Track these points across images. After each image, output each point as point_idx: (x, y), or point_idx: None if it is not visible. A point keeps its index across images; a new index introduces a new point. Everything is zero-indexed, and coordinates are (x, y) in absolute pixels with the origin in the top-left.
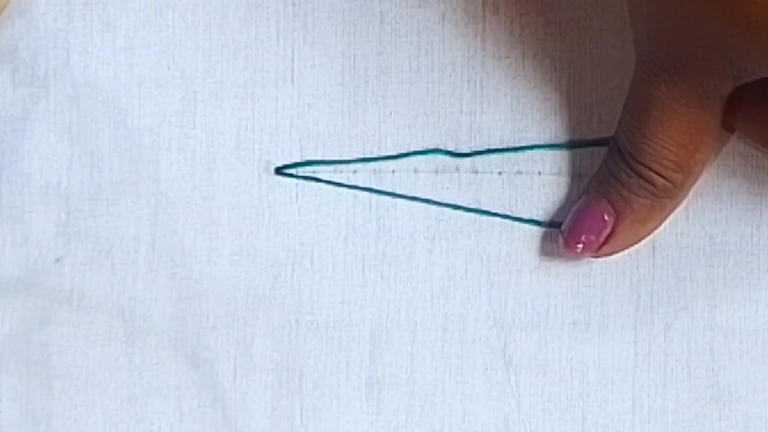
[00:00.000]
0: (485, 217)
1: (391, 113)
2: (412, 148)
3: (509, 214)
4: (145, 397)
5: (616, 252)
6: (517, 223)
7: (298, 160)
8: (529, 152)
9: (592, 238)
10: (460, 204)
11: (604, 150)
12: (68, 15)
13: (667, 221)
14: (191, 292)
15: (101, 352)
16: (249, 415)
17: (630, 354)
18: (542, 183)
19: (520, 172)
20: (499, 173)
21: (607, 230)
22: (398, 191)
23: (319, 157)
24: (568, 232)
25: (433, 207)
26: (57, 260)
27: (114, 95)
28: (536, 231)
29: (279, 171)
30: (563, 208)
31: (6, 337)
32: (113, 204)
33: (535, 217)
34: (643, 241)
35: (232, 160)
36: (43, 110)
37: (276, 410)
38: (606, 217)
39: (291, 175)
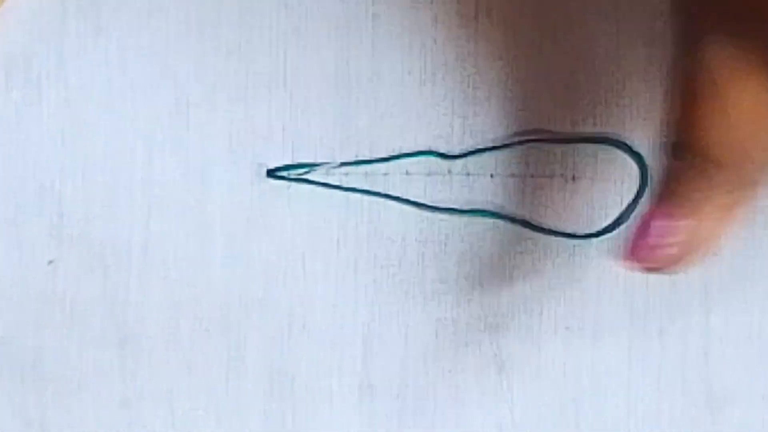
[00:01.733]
0: (478, 221)
1: (383, 116)
2: (405, 151)
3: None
4: (137, 401)
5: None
6: (510, 226)
7: (290, 162)
8: (522, 155)
9: (669, 250)
10: (452, 206)
11: (597, 150)
12: (62, 19)
13: None
14: (184, 296)
15: (94, 355)
16: (242, 419)
17: (624, 359)
18: (535, 185)
19: (513, 175)
20: (491, 176)
21: (682, 237)
22: (390, 194)
23: (311, 160)
24: (635, 247)
25: (425, 209)
26: (50, 263)
27: (107, 99)
28: (530, 234)
29: (271, 174)
30: (556, 211)
31: None
32: (106, 207)
33: (528, 221)
34: None
35: (224, 163)
36: (36, 113)
37: (268, 414)
38: (678, 224)
39: (283, 178)
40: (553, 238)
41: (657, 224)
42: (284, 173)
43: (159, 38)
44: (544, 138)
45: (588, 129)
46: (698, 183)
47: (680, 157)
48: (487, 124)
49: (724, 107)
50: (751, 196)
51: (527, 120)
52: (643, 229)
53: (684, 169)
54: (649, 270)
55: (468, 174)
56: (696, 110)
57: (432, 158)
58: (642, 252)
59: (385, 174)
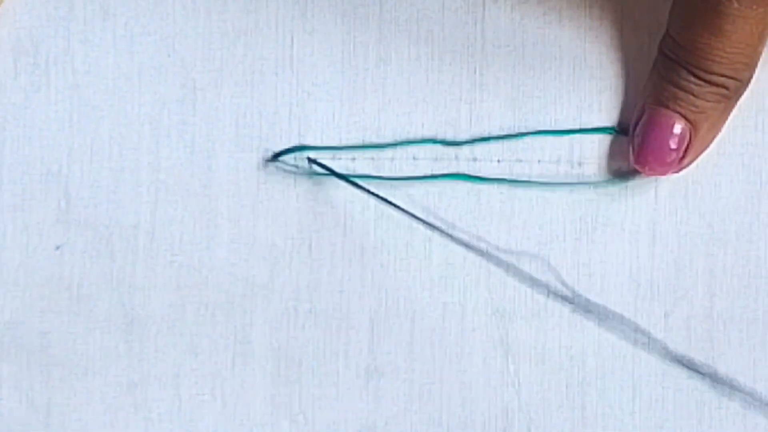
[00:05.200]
0: (484, 205)
1: (390, 101)
2: (411, 136)
3: (508, 203)
4: (143, 385)
5: (692, 162)
6: (516, 212)
7: (297, 145)
8: (528, 140)
9: (673, 154)
10: (458, 192)
11: (603, 138)
12: (69, 3)
13: (666, 210)
14: (190, 280)
15: (100, 339)
16: (248, 402)
17: (629, 343)
18: (542, 171)
19: (520, 160)
20: (498, 161)
21: (686, 141)
22: (397, 180)
23: (317, 144)
24: (647, 150)
25: (432, 194)
26: (57, 248)
27: (114, 83)
28: (536, 219)
29: (277, 158)
30: (563, 195)
31: (6, 325)
32: (113, 192)
33: (534, 205)
34: (643, 229)
35: (231, 147)
36: (44, 98)
37: (275, 398)
38: (681, 129)
39: (290, 163)
40: (559, 225)
41: (664, 127)
42: (291, 158)
43: (166, 23)
44: (548, 129)
45: (594, 114)
46: (715, 96)
47: (676, 55)
48: (494, 110)
49: (726, 25)
50: (740, 95)
51: (534, 106)
52: (651, 132)
53: (680, 74)
54: (657, 172)
55: (475, 159)
56: (715, 41)
57: (439, 144)
58: (651, 153)
59: (392, 159)
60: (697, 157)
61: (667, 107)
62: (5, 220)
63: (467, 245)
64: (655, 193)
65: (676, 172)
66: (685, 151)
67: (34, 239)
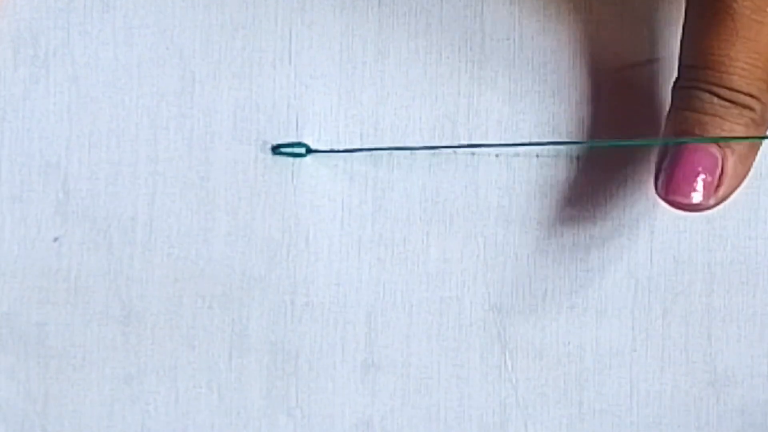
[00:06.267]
0: (482, 200)
1: (388, 94)
2: (410, 130)
3: (507, 197)
4: (140, 377)
5: (729, 195)
6: (514, 207)
7: (295, 140)
8: (526, 135)
9: (708, 179)
10: (456, 186)
11: (601, 135)
12: None
13: (665, 207)
14: (187, 272)
15: (98, 331)
16: (244, 395)
17: (628, 338)
18: (540, 165)
19: (518, 155)
20: (497, 155)
21: (718, 169)
22: (395, 173)
23: (316, 137)
24: (678, 179)
25: (430, 188)
26: (55, 239)
27: (113, 75)
28: (534, 214)
29: (276, 151)
30: (561, 191)
31: (3, 316)
32: (111, 184)
33: (532, 200)
34: (642, 225)
35: (229, 140)
36: (43, 90)
37: (271, 391)
38: (712, 155)
39: (288, 154)
40: (557, 220)
41: (694, 157)
42: (288, 150)
43: (165, 15)
44: (549, 119)
45: (593, 110)
46: (741, 119)
47: (694, 81)
48: (492, 103)
49: (743, 31)
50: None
51: (533, 100)
52: (681, 163)
53: (703, 98)
54: (686, 207)
55: (473, 154)
56: (712, 33)
57: (437, 137)
58: (683, 186)
59: (390, 153)
60: (732, 191)
61: (693, 133)
62: (3, 212)
63: (464, 239)
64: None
65: (711, 207)
66: (719, 180)
67: (32, 231)
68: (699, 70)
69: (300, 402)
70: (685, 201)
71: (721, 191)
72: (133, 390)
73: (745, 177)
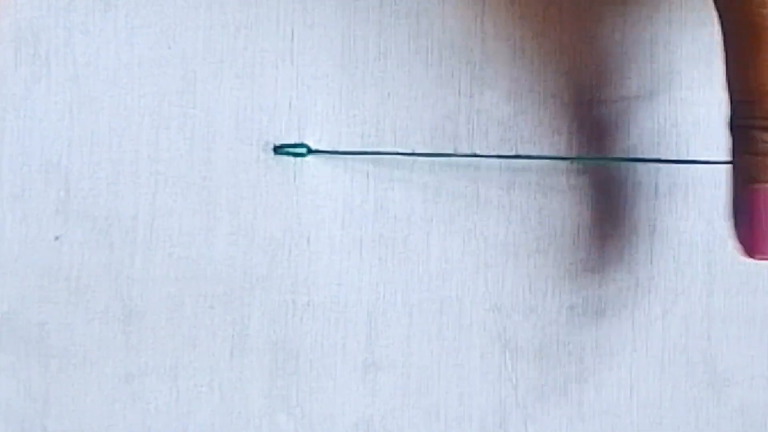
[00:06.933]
0: (482, 200)
1: (389, 94)
2: (411, 130)
3: (507, 198)
4: (141, 376)
5: None
6: (515, 207)
7: (296, 140)
8: (527, 136)
9: None
10: (457, 187)
11: (601, 135)
12: None
13: (665, 207)
14: (189, 272)
15: (99, 330)
16: (245, 395)
17: (627, 339)
18: (540, 167)
19: (519, 155)
20: (497, 157)
21: None
22: (396, 173)
23: (318, 137)
24: (756, 236)
25: (431, 189)
26: (56, 238)
27: (114, 75)
28: (534, 215)
29: (278, 151)
30: (562, 191)
31: (4, 315)
32: (112, 183)
33: (532, 201)
34: (642, 226)
35: (230, 140)
36: (44, 89)
37: (272, 390)
38: None
39: (289, 154)
40: (557, 221)
41: (762, 204)
42: (290, 150)
43: (166, 15)
44: (550, 119)
45: (594, 109)
46: None
47: (750, 119)
48: (493, 104)
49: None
50: None
51: (533, 100)
52: (753, 215)
53: (754, 135)
54: None
55: (474, 155)
56: (758, 62)
57: (438, 138)
58: (761, 238)
59: (392, 153)
60: None
61: (762, 181)
62: (5, 211)
63: (465, 239)
64: (654, 190)
65: None
66: None
67: (34, 230)
68: (751, 106)
69: (300, 401)
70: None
71: None
72: (134, 389)
73: None
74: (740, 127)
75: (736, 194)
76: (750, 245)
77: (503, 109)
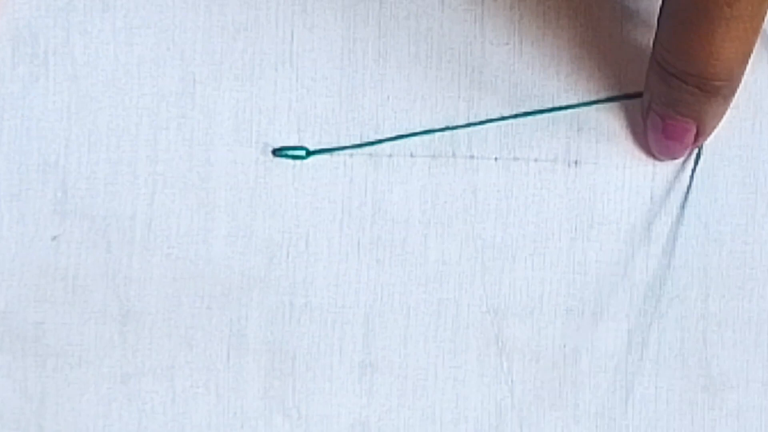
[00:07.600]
0: (480, 203)
1: (389, 97)
2: (410, 132)
3: (505, 200)
4: (138, 377)
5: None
6: (512, 210)
7: (295, 142)
8: (526, 139)
9: (682, 147)
10: (455, 189)
11: (600, 137)
12: None
13: (662, 210)
14: (186, 273)
15: (95, 330)
16: (242, 396)
17: (623, 342)
18: (538, 169)
19: (517, 158)
20: (495, 159)
21: (693, 133)
22: (394, 175)
23: (317, 140)
24: (657, 147)
25: (429, 191)
26: (53, 238)
27: (113, 75)
28: (531, 218)
29: (276, 153)
30: (559, 194)
31: (1, 315)
32: (110, 183)
33: (530, 203)
34: (638, 229)
35: (229, 141)
36: (42, 89)
37: (269, 391)
38: (686, 127)
39: (288, 156)
40: (554, 223)
41: (665, 128)
42: (289, 152)
43: (166, 15)
44: (549, 123)
45: (592, 113)
46: (717, 98)
47: (665, 63)
48: (492, 107)
49: (734, 38)
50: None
51: (532, 104)
52: (656, 133)
53: (673, 81)
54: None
55: (472, 157)
56: (710, 48)
57: (436, 141)
58: (661, 150)
59: (390, 155)
60: (709, 135)
61: (669, 111)
62: (2, 210)
63: (462, 242)
64: (650, 193)
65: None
66: (695, 138)
67: (31, 229)
68: (677, 61)
69: (297, 402)
70: (664, 159)
71: (700, 140)
72: (131, 389)
73: (722, 117)
74: (664, 68)
75: (649, 105)
76: (655, 153)
77: (503, 113)
